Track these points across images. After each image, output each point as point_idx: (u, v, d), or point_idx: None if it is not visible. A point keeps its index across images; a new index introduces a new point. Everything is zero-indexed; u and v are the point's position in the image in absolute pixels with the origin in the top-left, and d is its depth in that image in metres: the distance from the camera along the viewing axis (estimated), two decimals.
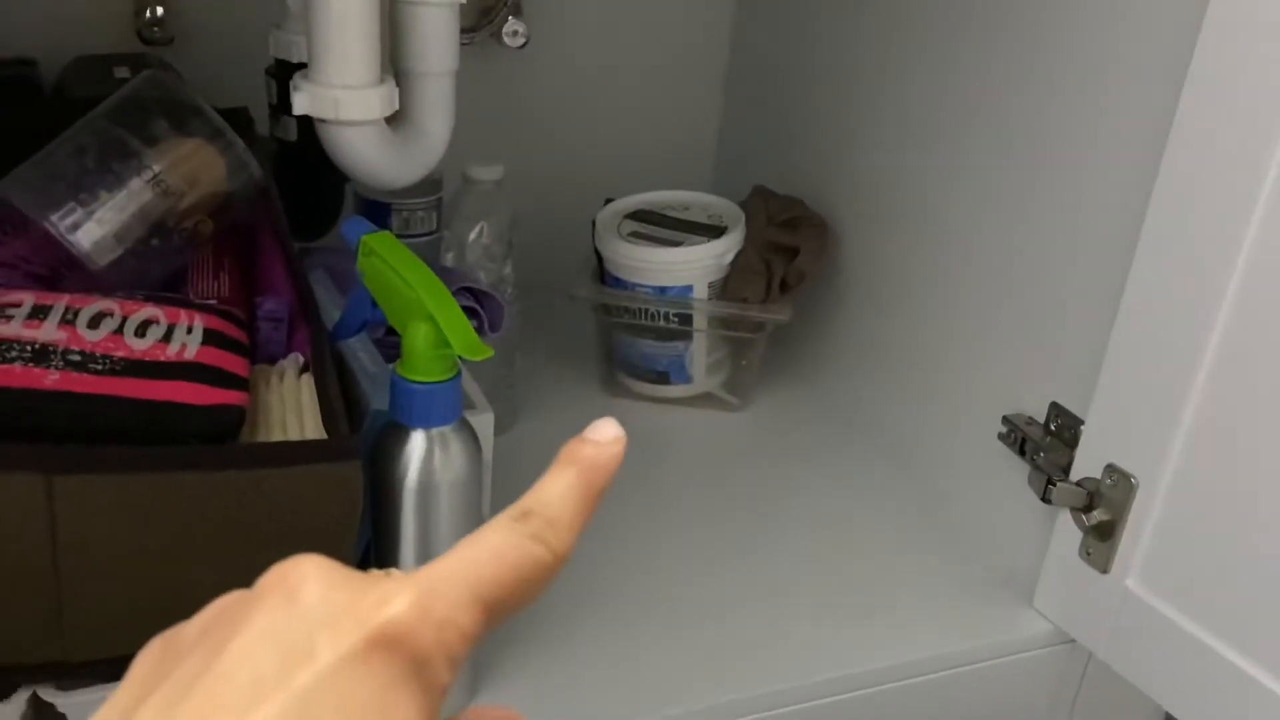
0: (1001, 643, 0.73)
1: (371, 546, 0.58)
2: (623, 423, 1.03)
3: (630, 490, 0.84)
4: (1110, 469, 0.67)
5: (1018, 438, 0.75)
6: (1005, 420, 0.76)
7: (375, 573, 0.26)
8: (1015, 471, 0.75)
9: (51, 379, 0.50)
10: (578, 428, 1.00)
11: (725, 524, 0.82)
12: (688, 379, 0.95)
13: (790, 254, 0.91)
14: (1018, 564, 0.76)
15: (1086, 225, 0.70)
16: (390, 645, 0.24)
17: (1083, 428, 0.70)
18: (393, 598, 0.24)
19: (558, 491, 0.29)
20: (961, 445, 0.82)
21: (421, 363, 0.54)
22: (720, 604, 0.73)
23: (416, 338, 0.53)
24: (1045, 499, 0.71)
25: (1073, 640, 0.73)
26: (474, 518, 0.58)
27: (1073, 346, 0.71)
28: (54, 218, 0.58)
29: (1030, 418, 0.75)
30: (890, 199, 0.89)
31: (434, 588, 0.25)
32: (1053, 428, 0.73)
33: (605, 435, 0.31)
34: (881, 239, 0.91)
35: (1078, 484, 0.69)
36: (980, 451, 0.79)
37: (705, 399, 0.97)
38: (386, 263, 0.54)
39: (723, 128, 1.13)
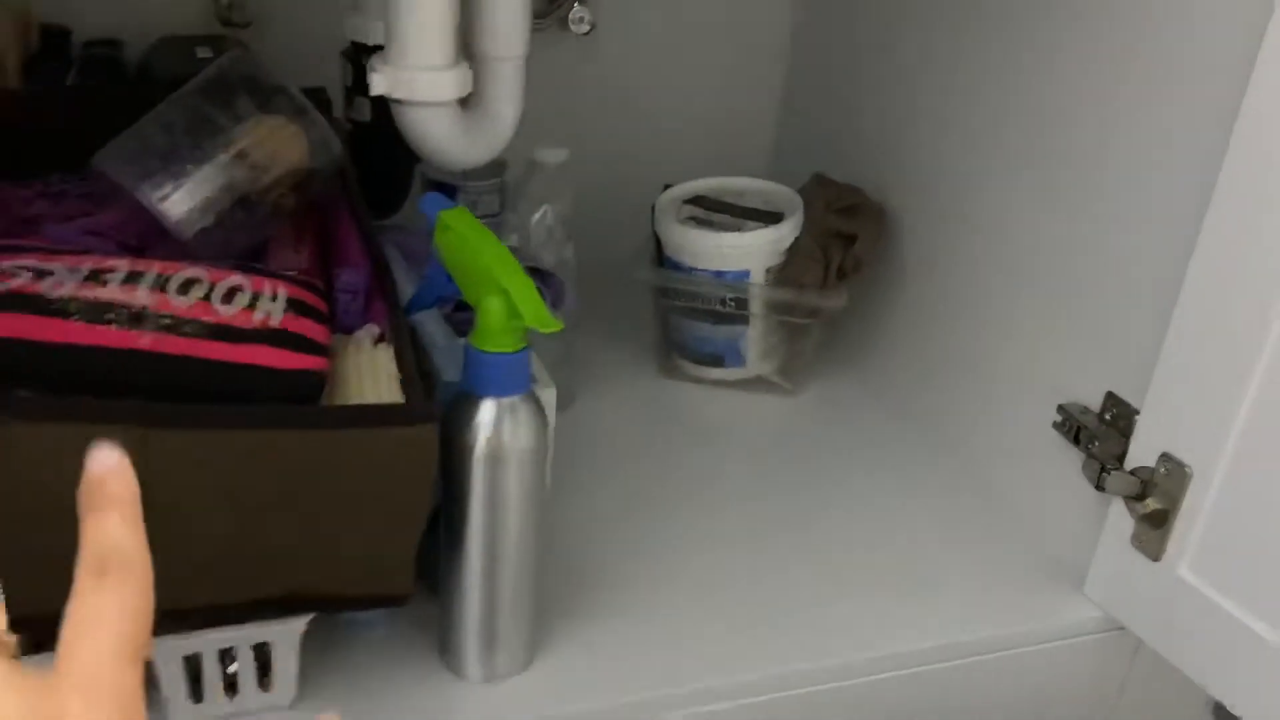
0: (1050, 628, 0.73)
1: (441, 511, 0.60)
2: (676, 406, 1.05)
3: (681, 470, 0.86)
4: (1165, 458, 0.67)
5: (1072, 426, 0.76)
6: (1060, 409, 0.77)
7: (36, 677, 0.27)
8: (1068, 459, 0.76)
9: (146, 340, 0.53)
10: (633, 408, 1.02)
11: (775, 504, 0.83)
12: (742, 362, 0.96)
13: (848, 241, 0.92)
14: (1068, 551, 0.76)
15: (1145, 214, 0.70)
16: None
17: (1138, 417, 0.70)
18: (68, 706, 0.26)
19: (111, 535, 0.30)
20: (1014, 433, 0.83)
21: (494, 334, 0.56)
22: (768, 581, 0.75)
23: (490, 310, 0.55)
24: (1099, 487, 0.72)
25: (1122, 627, 0.73)
26: (539, 485, 0.60)
27: (1129, 336, 0.72)
28: (146, 189, 0.61)
29: (1085, 407, 0.76)
30: (949, 187, 0.90)
31: (97, 679, 0.27)
32: (1107, 417, 0.74)
33: (105, 464, 0.32)
34: (939, 227, 0.92)
35: (1131, 472, 0.70)
36: (1033, 440, 0.80)
37: (758, 383, 0.98)
38: (462, 238, 0.56)
39: (782, 116, 1.14)
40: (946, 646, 0.71)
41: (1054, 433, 0.77)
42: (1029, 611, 0.74)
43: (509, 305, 0.55)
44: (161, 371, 0.52)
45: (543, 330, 0.54)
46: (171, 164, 0.61)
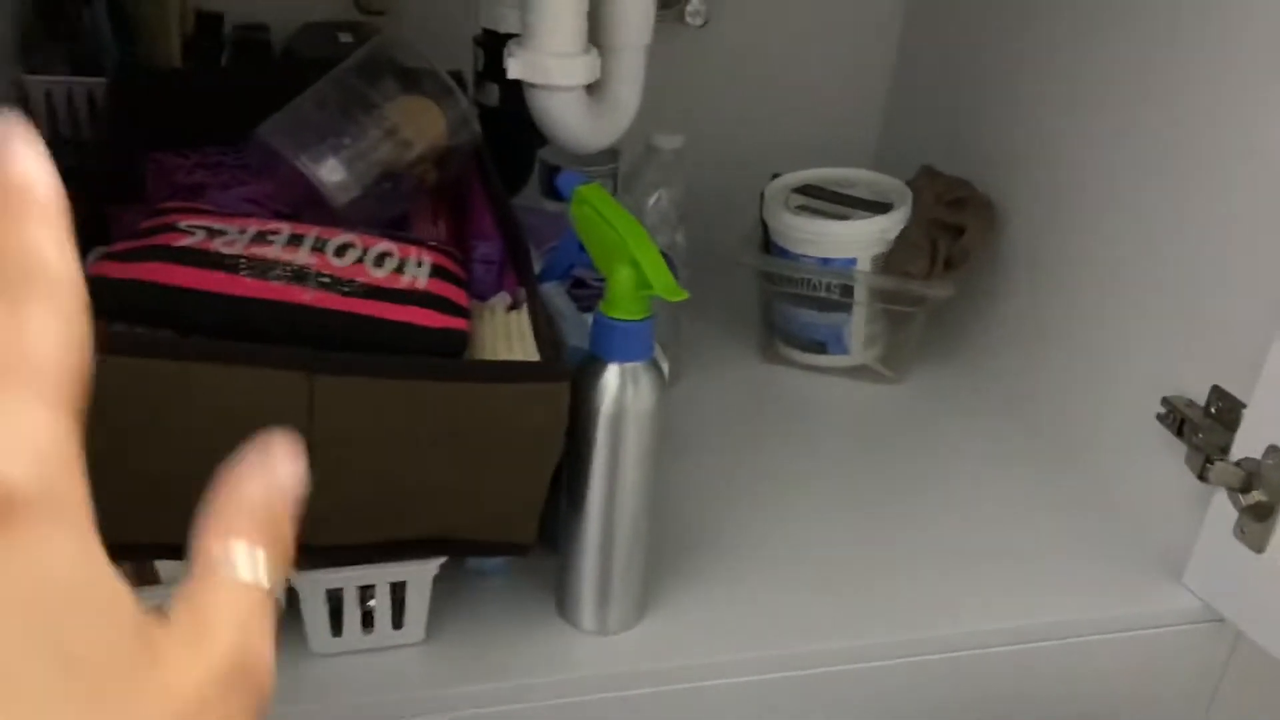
0: (1147, 615, 0.74)
1: (564, 468, 0.64)
2: (779, 390, 1.08)
3: (783, 450, 0.89)
4: (1272, 449, 0.68)
5: (1176, 419, 0.77)
6: (1164, 401, 0.78)
7: None
8: (1171, 450, 0.77)
9: (308, 296, 0.57)
10: (736, 390, 1.06)
11: (874, 485, 0.85)
12: (845, 350, 0.99)
13: (956, 233, 0.94)
14: (1168, 540, 0.77)
15: (1256, 207, 0.71)
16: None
17: (1244, 410, 0.71)
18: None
19: (34, 247, 0.22)
20: (1116, 424, 0.84)
21: (623, 302, 0.59)
22: (867, 556, 0.77)
23: (620, 279, 0.59)
24: (1202, 477, 0.72)
25: (1222, 618, 0.74)
26: (655, 448, 0.63)
27: (1236, 330, 0.72)
28: (305, 159, 0.66)
29: (1190, 400, 0.77)
30: (1056, 180, 0.91)
31: (15, 430, 0.21)
32: (1213, 410, 0.74)
33: (27, 165, 0.23)
34: (1047, 220, 0.93)
35: (1236, 464, 0.71)
36: (1135, 431, 0.81)
37: (861, 371, 1.00)
38: (596, 211, 0.60)
39: (889, 108, 1.16)
40: (1041, 626, 0.73)
41: (1157, 424, 0.78)
42: (1125, 597, 0.75)
43: (639, 275, 0.58)
44: (323, 325, 0.56)
45: (669, 299, 0.57)
46: (328, 137, 0.66)
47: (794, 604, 0.72)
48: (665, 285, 0.57)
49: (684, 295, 0.57)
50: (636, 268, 0.58)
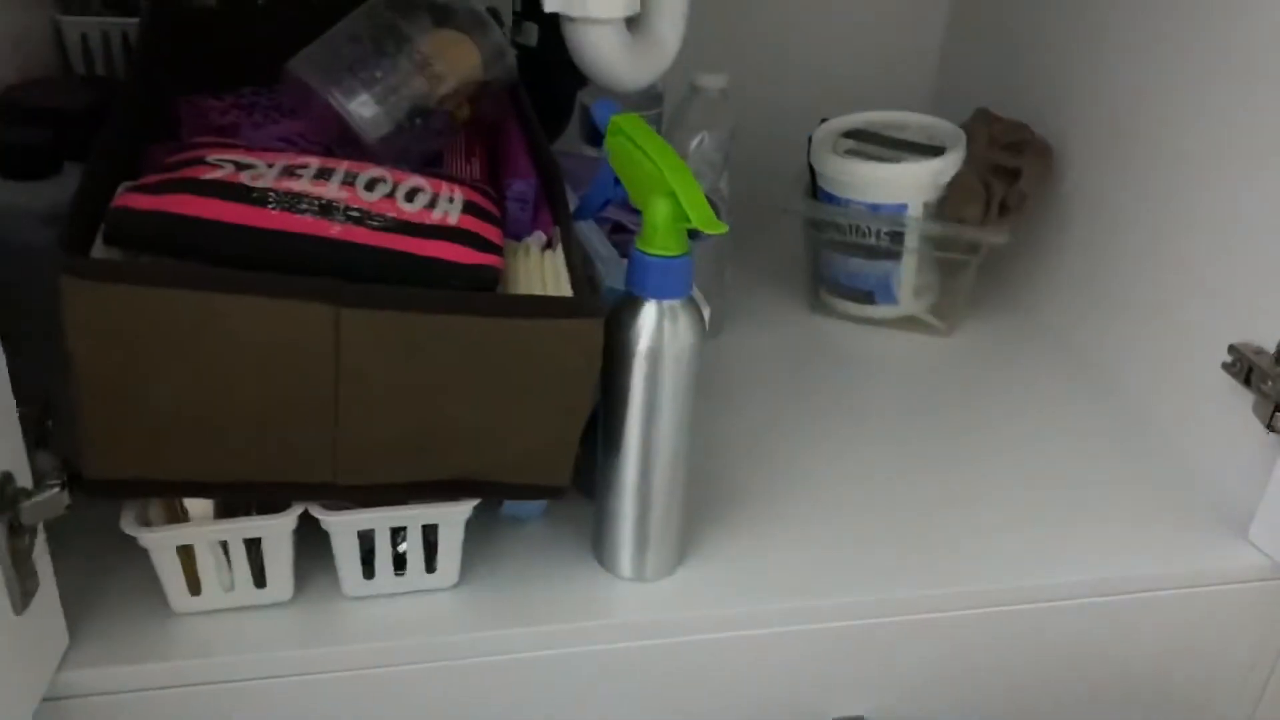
0: (1211, 570, 0.71)
1: (600, 409, 0.62)
2: (824, 341, 1.05)
3: (828, 402, 0.86)
4: None
5: (1244, 367, 0.73)
6: (1231, 349, 0.74)
7: None
8: (1237, 400, 0.73)
9: (336, 229, 0.56)
10: (780, 342, 1.04)
11: (924, 438, 0.83)
12: (894, 300, 0.96)
13: (1012, 177, 0.90)
14: (1234, 495, 0.74)
15: None
16: None
17: None
18: None
19: None
20: (1180, 373, 0.80)
21: (660, 237, 0.57)
22: (914, 508, 0.74)
23: (657, 212, 0.56)
24: (1271, 427, 0.69)
25: None
26: (694, 390, 0.61)
27: None
28: (336, 93, 0.64)
29: (1259, 348, 0.73)
30: (1118, 124, 0.87)
31: None
32: None
33: None
34: (1107, 165, 0.89)
35: None
36: (1200, 380, 0.77)
37: (910, 322, 0.97)
38: (633, 141, 0.58)
39: (945, 49, 1.12)
40: (1098, 581, 0.70)
41: (1223, 374, 0.75)
42: (1189, 553, 0.72)
43: (676, 207, 0.56)
44: (350, 259, 0.55)
45: (708, 231, 0.55)
46: (359, 70, 0.65)
47: (836, 555, 0.70)
48: (704, 218, 0.55)
49: (723, 228, 0.55)
50: (674, 200, 0.56)
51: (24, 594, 0.51)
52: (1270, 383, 0.71)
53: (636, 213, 0.60)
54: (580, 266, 0.59)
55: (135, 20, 0.82)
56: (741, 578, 0.67)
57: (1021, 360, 0.93)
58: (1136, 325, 0.86)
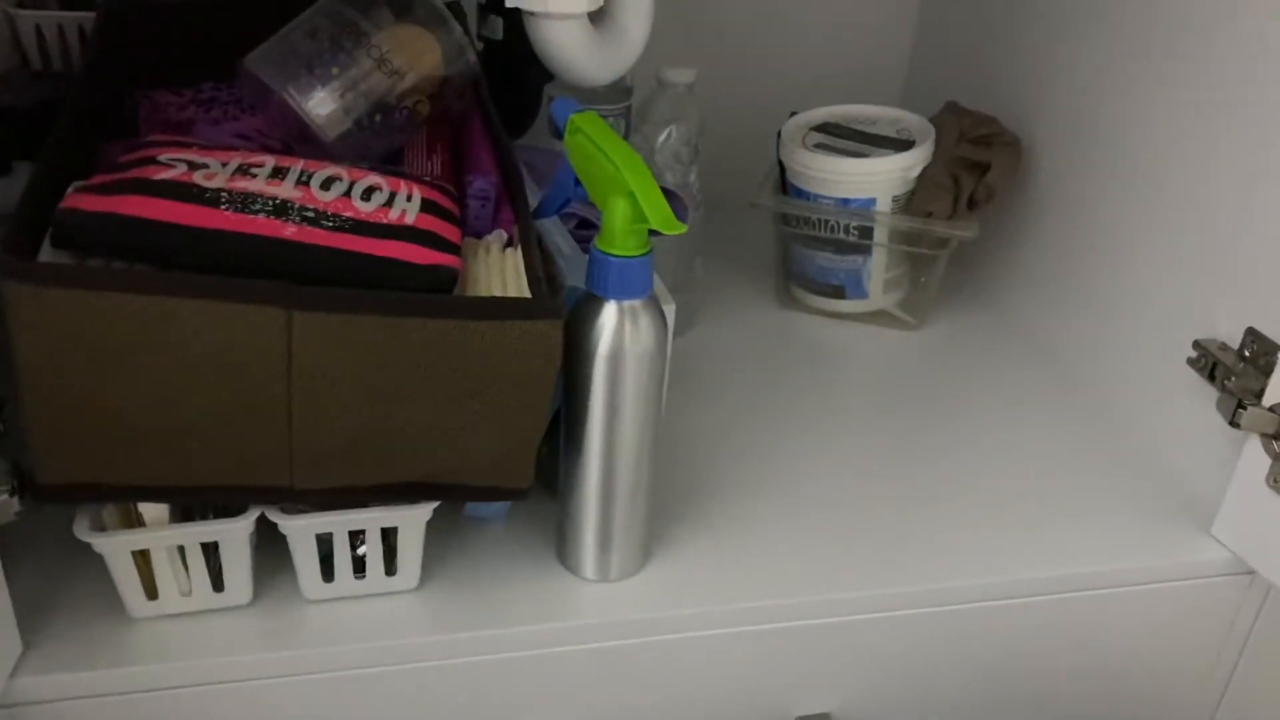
0: (1174, 566, 0.71)
1: (562, 411, 0.61)
2: (795, 336, 1.05)
3: (798, 397, 0.86)
4: None
5: (1208, 362, 0.73)
6: (1196, 345, 0.74)
7: None
8: (1201, 396, 0.73)
9: (290, 230, 0.55)
10: (750, 336, 1.03)
11: (892, 434, 0.82)
12: (864, 294, 0.96)
13: (980, 171, 0.90)
14: (1197, 490, 0.74)
15: None
16: None
17: None
18: None
19: None
20: (1146, 369, 0.80)
21: (619, 236, 0.56)
22: (881, 506, 0.74)
23: (616, 212, 0.56)
24: (1234, 423, 0.69)
25: (1253, 571, 0.71)
26: (657, 390, 0.61)
27: (1272, 270, 0.69)
28: (292, 90, 0.63)
29: (1223, 343, 0.73)
30: (1086, 119, 0.87)
31: None
32: (1246, 353, 0.71)
33: None
34: (1074, 160, 0.89)
35: (1270, 409, 0.67)
36: (1165, 375, 0.77)
37: (880, 316, 0.97)
38: (592, 141, 0.57)
39: (916, 43, 1.12)
40: (1063, 577, 0.70)
41: (1188, 369, 0.75)
42: (1152, 548, 0.72)
43: (635, 207, 0.55)
44: (304, 260, 0.54)
45: (667, 232, 0.54)
46: (316, 67, 0.64)
47: (803, 553, 0.70)
48: (662, 218, 0.54)
49: (682, 229, 0.54)
50: (633, 200, 0.55)
51: None
52: (1234, 379, 0.71)
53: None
54: (539, 266, 0.58)
55: (90, 13, 0.81)
56: (707, 576, 0.67)
57: (990, 355, 0.93)
58: (1103, 320, 0.86)
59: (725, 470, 0.77)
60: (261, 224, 0.55)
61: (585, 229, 0.77)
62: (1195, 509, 0.74)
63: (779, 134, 0.94)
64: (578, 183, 0.60)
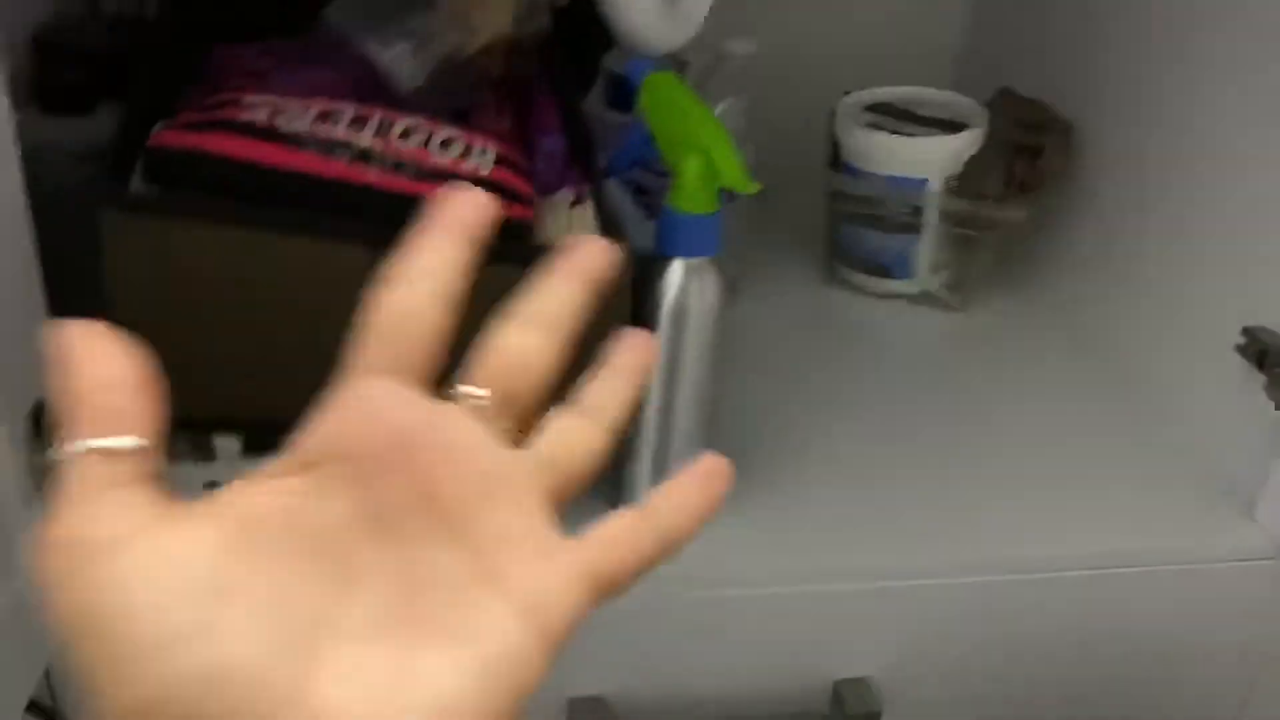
0: (1214, 549, 0.72)
1: None
2: (839, 314, 1.05)
3: (839, 374, 0.87)
4: None
5: (1257, 349, 0.74)
6: (1245, 331, 0.75)
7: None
8: (1250, 382, 0.74)
9: (371, 176, 0.56)
10: (794, 312, 1.03)
11: (932, 411, 0.83)
12: (910, 275, 0.96)
13: (1033, 155, 0.91)
14: (1243, 475, 0.75)
15: None
16: None
17: None
18: None
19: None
20: (1192, 355, 0.81)
21: (690, 195, 0.58)
22: (919, 479, 0.75)
23: (689, 169, 0.57)
24: None
25: None
26: (714, 348, 0.62)
27: None
28: (372, 44, 0.64)
29: (1273, 330, 0.74)
30: (1140, 103, 0.87)
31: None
32: None
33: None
34: (1126, 146, 0.89)
35: None
36: (1212, 362, 0.78)
37: (924, 298, 0.98)
38: (668, 99, 0.58)
39: (970, 28, 1.12)
40: (1104, 554, 0.71)
41: (1235, 355, 0.75)
42: (1192, 531, 0.73)
43: (708, 165, 0.56)
44: (385, 205, 0.56)
45: (740, 191, 0.55)
46: (395, 22, 0.65)
47: (843, 520, 0.71)
48: (735, 176, 0.56)
49: (757, 187, 0.56)
50: (706, 157, 0.56)
51: None
52: None
53: (661, 175, 0.61)
54: (608, 222, 0.60)
55: None
56: (750, 537, 0.68)
57: (1034, 337, 0.94)
58: (1150, 305, 0.86)
59: (766, 444, 0.78)
60: (343, 168, 0.56)
61: (642, 194, 0.78)
62: (1240, 495, 0.75)
63: (833, 111, 0.95)
64: (649, 141, 0.61)
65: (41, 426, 0.51)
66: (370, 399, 0.29)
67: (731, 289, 0.93)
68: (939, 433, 0.81)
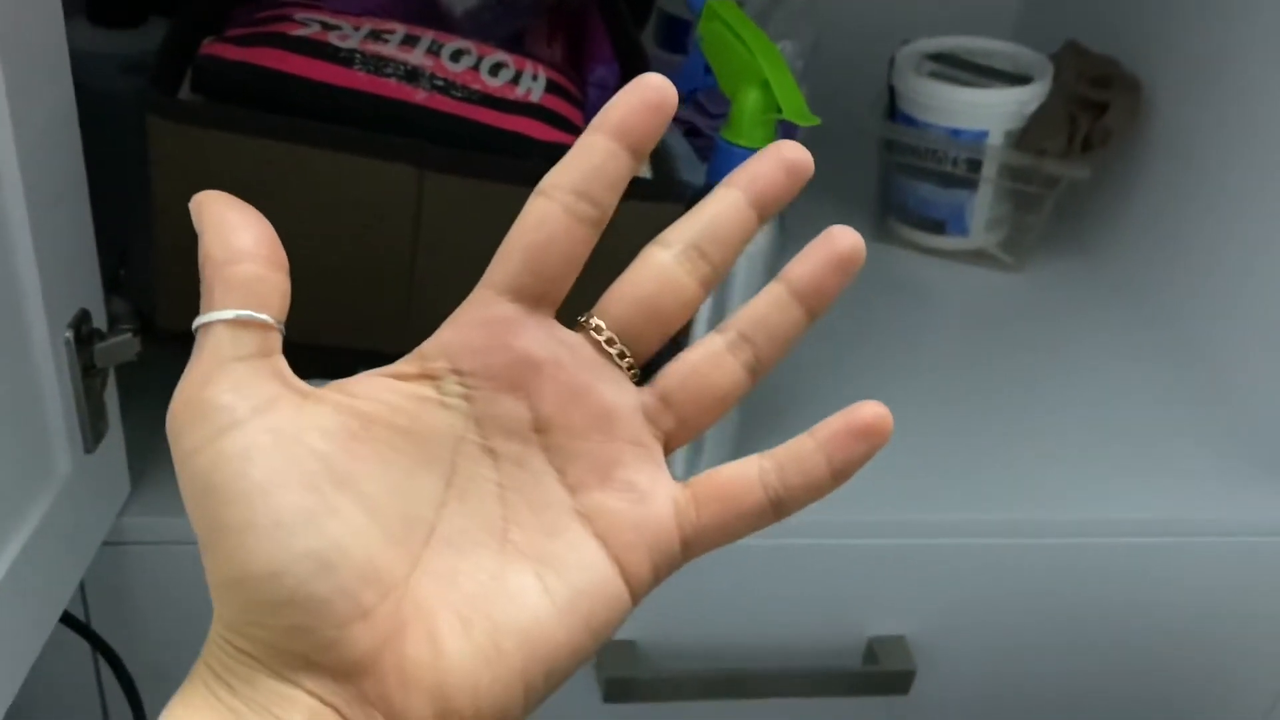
0: (1264, 522, 0.70)
1: None
2: (890, 270, 1.03)
3: (888, 330, 0.85)
4: None
5: None
6: None
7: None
8: None
9: (420, 96, 0.55)
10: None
11: (983, 371, 0.81)
12: (965, 231, 0.94)
13: (1098, 111, 0.88)
14: None
15: None
16: None
17: None
18: None
19: None
20: (1250, 326, 0.78)
21: (748, 126, 0.56)
22: (971, 436, 0.73)
23: (747, 100, 0.55)
24: None
25: None
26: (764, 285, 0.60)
27: None
28: None
29: None
30: (1211, 65, 0.84)
31: None
32: None
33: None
34: (1197, 107, 0.86)
35: None
36: (1269, 334, 0.75)
37: (979, 255, 0.95)
38: (729, 28, 0.56)
39: None
40: (1145, 522, 0.69)
41: None
42: (1241, 503, 0.71)
43: (767, 96, 0.54)
44: (433, 125, 0.54)
45: (800, 123, 0.54)
46: None
47: (885, 475, 0.67)
48: (795, 108, 0.54)
49: (815, 121, 0.54)
50: (766, 89, 0.54)
51: (95, 434, 0.52)
52: None
53: (712, 116, 0.59)
54: (661, 154, 0.58)
55: None
56: None
57: (1089, 301, 0.91)
58: (1208, 274, 0.84)
59: (813, 401, 0.76)
60: (393, 87, 0.55)
61: (695, 136, 0.77)
62: None
63: (892, 59, 0.92)
64: (708, 70, 0.59)
65: (82, 334, 0.50)
66: (502, 320, 0.28)
67: (780, 246, 0.92)
68: (987, 394, 0.79)
